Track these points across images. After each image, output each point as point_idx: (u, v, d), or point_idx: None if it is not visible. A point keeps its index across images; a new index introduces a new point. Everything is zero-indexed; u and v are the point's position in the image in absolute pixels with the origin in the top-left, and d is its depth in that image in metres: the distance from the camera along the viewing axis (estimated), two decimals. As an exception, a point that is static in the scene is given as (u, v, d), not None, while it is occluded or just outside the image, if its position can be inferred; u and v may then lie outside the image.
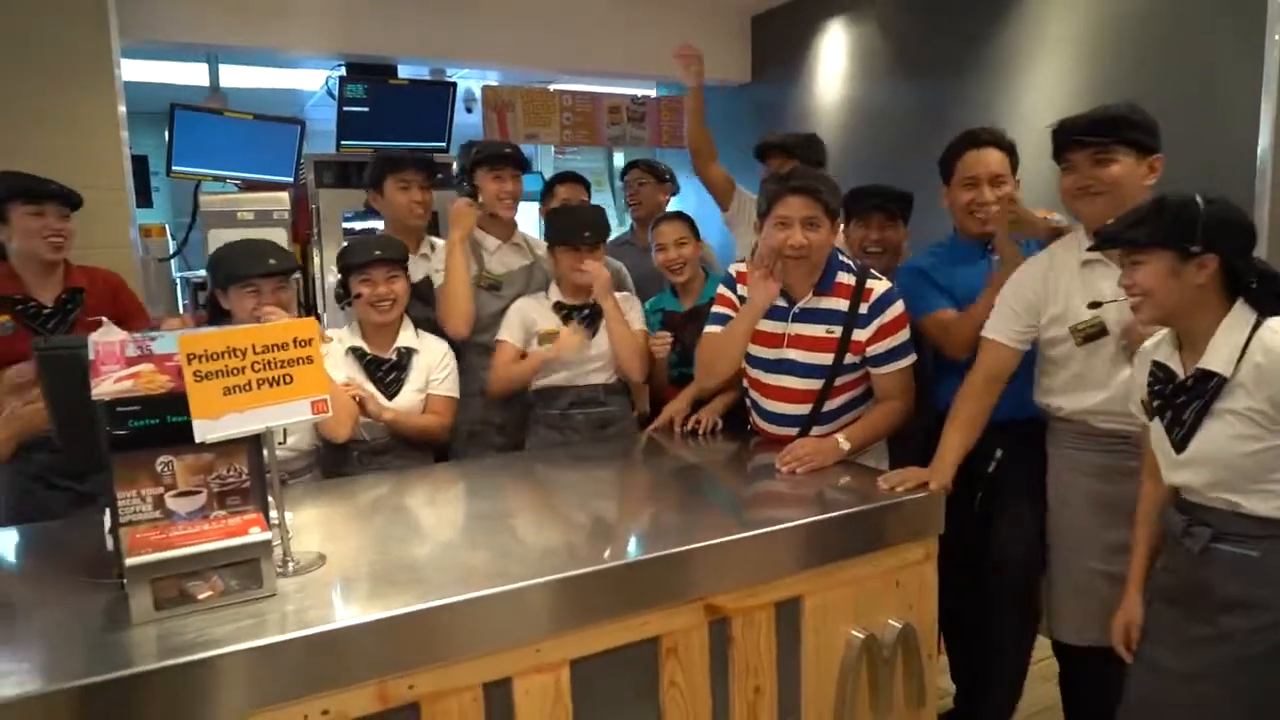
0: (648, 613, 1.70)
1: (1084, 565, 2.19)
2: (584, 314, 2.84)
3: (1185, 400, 1.71)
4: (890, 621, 2.02)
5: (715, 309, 2.55)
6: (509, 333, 2.83)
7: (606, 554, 1.76)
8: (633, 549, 1.78)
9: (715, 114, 5.77)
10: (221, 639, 1.38)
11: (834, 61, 4.81)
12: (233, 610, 1.48)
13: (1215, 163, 3.03)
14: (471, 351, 2.90)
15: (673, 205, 4.00)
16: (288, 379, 1.70)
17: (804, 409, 2.43)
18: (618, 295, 2.87)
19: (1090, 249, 1.96)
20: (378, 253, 2.52)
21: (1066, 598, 2.22)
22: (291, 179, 4.08)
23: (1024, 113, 3.68)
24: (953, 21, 4.05)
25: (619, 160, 7.26)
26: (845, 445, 2.31)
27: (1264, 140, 2.95)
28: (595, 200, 7.68)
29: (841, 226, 2.86)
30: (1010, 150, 2.48)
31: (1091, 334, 2.10)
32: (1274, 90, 2.92)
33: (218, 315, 2.42)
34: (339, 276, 2.61)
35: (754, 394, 2.55)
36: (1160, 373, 1.78)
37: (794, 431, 2.45)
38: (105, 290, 2.78)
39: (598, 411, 2.85)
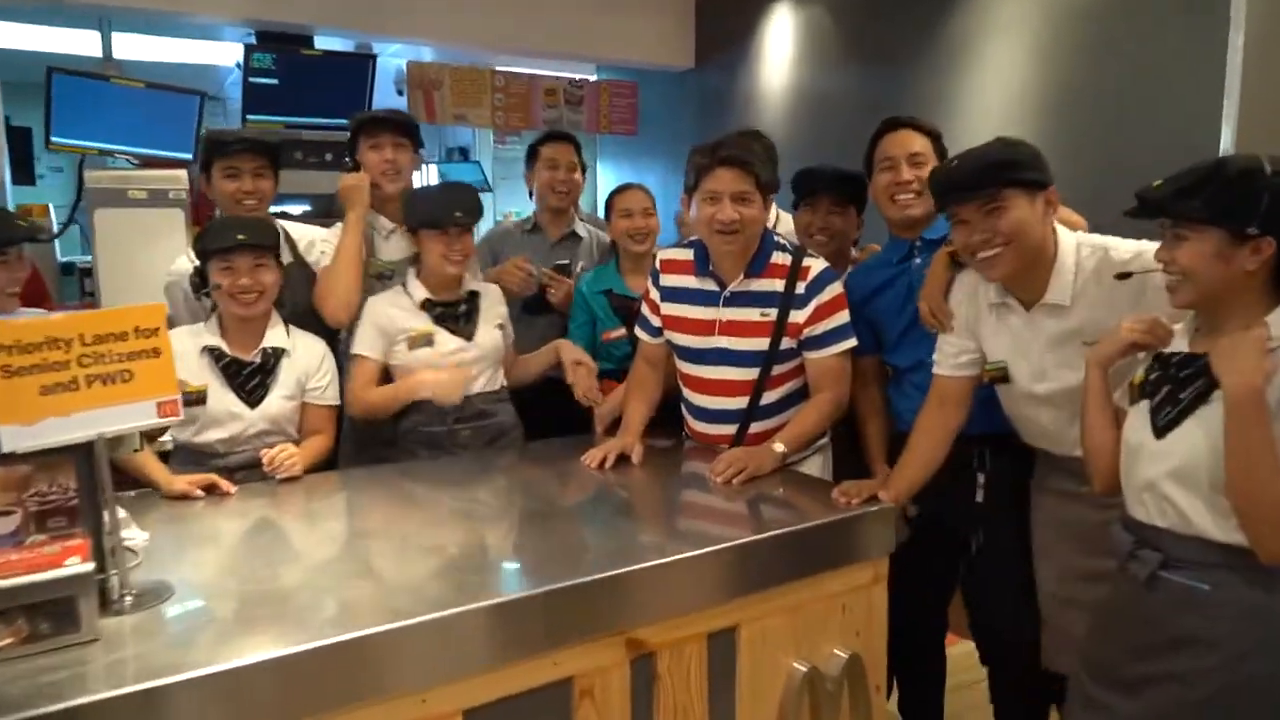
0: (558, 651, 1.47)
1: (1047, 590, 2.02)
2: (459, 311, 2.46)
3: (1189, 377, 1.49)
4: (836, 651, 1.81)
5: (642, 311, 2.37)
6: (366, 345, 2.39)
7: (507, 584, 1.51)
8: (539, 577, 1.53)
9: (657, 101, 5.63)
10: (11, 701, 1.10)
11: (780, 47, 4.64)
12: (39, 661, 1.21)
13: (1174, 160, 2.90)
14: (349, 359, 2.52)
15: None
16: (126, 375, 1.43)
17: (740, 402, 2.23)
18: (478, 286, 2.56)
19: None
20: (241, 237, 2.17)
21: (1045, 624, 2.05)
22: (191, 156, 3.72)
23: (979, 101, 3.53)
24: (903, 5, 3.89)
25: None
26: (780, 449, 2.11)
27: (1225, 138, 2.83)
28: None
29: (775, 208, 2.66)
30: (933, 136, 2.28)
31: (996, 378, 1.96)
32: (1236, 89, 2.79)
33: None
34: (196, 263, 2.25)
35: (686, 390, 2.34)
36: (1162, 359, 1.58)
37: (731, 430, 2.25)
38: None
39: (486, 424, 2.46)
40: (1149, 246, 1.74)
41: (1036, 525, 2.06)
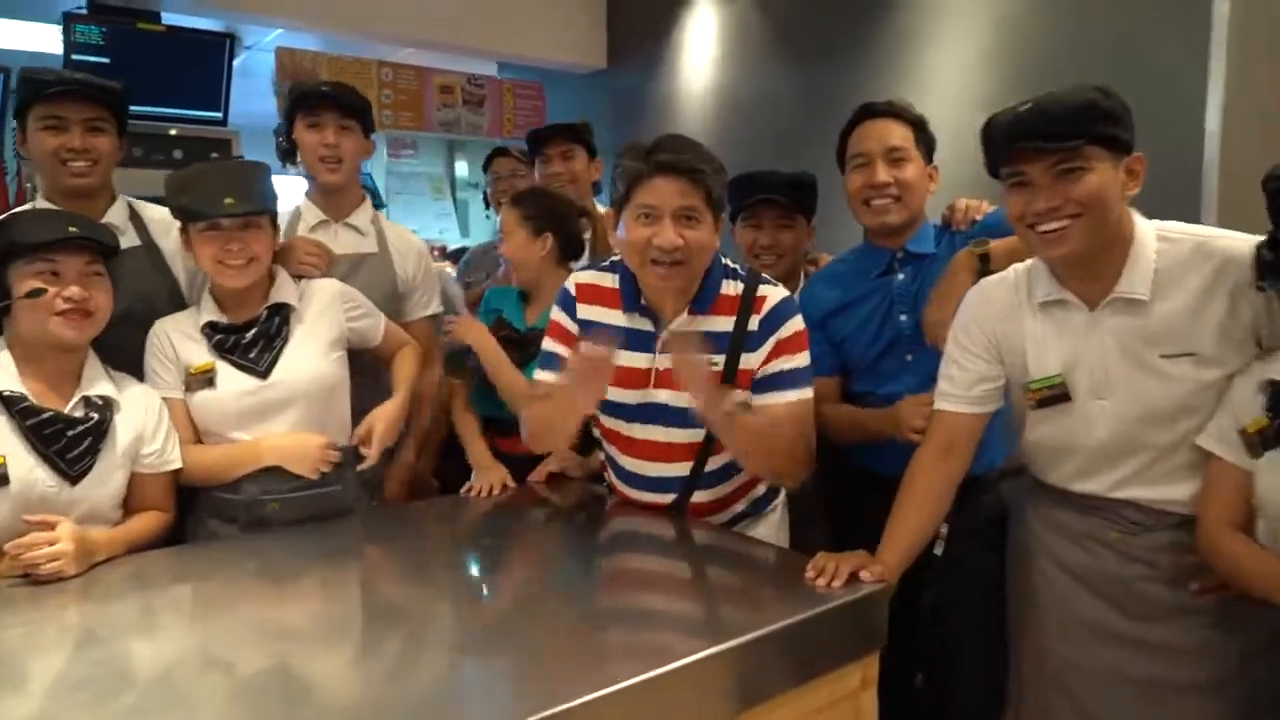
0: None
1: (1050, 648, 1.62)
2: (248, 337, 1.82)
3: None
4: (817, 790, 1.36)
5: (546, 345, 1.79)
6: (161, 384, 1.81)
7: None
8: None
9: (567, 105, 5.14)
10: None
11: (702, 44, 4.27)
12: None
13: (1154, 153, 2.61)
14: None
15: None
16: None
17: (680, 469, 1.74)
18: (326, 283, 1.97)
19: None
20: (74, 229, 1.60)
21: (1032, 685, 1.66)
22: (-7, 146, 3.09)
23: (931, 95, 3.18)
24: (840, -5, 3.56)
25: (462, 169, 6.47)
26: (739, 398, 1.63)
27: (1211, 128, 2.52)
28: (437, 210, 6.89)
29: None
30: (917, 125, 1.92)
31: (1049, 398, 1.53)
32: (1221, 73, 2.50)
33: None
34: None
35: (611, 448, 1.83)
36: None
37: (668, 498, 1.77)
38: None
39: (313, 495, 1.82)
40: (1249, 239, 1.40)
41: (1030, 560, 1.66)
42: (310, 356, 1.85)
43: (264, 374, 1.80)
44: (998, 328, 1.57)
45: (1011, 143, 1.40)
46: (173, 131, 3.53)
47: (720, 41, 4.16)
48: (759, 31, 3.97)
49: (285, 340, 1.84)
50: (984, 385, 1.58)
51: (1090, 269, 1.46)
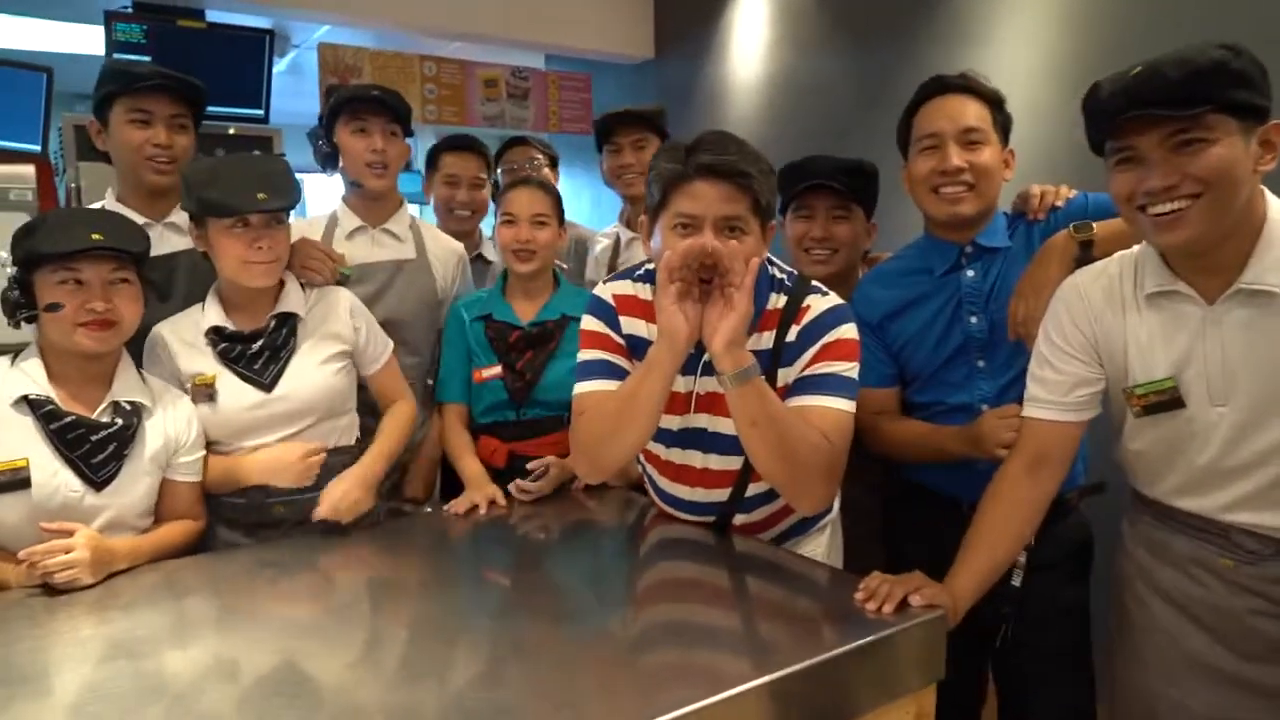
0: None
1: (1149, 688, 1.44)
2: (254, 347, 1.76)
3: None
4: (870, 840, 1.23)
5: (586, 355, 1.60)
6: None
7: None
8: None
9: (614, 97, 5.00)
10: None
11: (752, 31, 4.10)
12: None
13: None
14: None
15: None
16: None
17: (720, 494, 1.63)
18: (338, 293, 1.92)
19: None
20: (97, 237, 1.55)
21: None
22: (39, 147, 3.08)
23: (995, 80, 2.99)
24: (898, -25, 3.36)
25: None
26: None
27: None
28: (490, 206, 6.82)
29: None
30: (994, 102, 1.72)
31: (1158, 404, 1.35)
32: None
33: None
34: (14, 271, 1.60)
35: (650, 468, 1.73)
36: None
37: (708, 520, 1.68)
38: None
39: (314, 497, 1.75)
40: None
41: (1125, 586, 1.49)
42: (316, 369, 1.82)
43: (269, 387, 1.76)
44: (1096, 324, 1.39)
45: (1120, 111, 1.20)
46: (231, 130, 3.56)
47: (771, 26, 3.99)
48: (812, 13, 3.79)
49: (291, 352, 1.80)
50: (1081, 390, 1.41)
51: (1211, 258, 1.26)
